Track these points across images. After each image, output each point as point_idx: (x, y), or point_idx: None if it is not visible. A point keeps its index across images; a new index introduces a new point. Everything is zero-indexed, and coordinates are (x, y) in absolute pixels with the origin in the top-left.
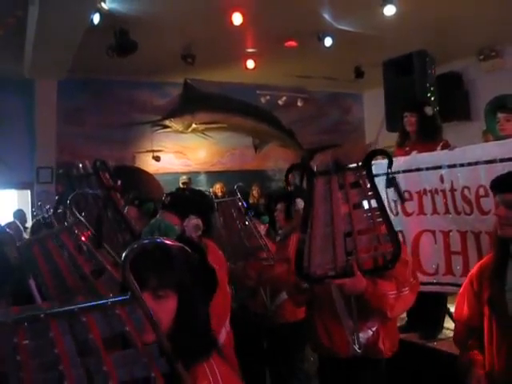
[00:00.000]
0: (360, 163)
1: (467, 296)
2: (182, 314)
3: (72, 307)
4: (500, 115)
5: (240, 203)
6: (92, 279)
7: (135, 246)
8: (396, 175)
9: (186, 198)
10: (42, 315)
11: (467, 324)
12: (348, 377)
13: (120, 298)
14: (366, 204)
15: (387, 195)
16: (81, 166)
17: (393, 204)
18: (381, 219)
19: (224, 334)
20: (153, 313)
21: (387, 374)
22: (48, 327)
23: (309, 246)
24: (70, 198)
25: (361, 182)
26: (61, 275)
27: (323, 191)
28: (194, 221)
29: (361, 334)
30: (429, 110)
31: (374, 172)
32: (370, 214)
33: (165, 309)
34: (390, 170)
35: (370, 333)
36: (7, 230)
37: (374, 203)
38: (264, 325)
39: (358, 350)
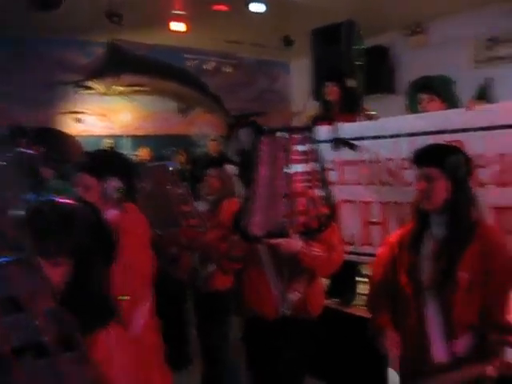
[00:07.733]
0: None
1: (385, 261)
2: (76, 278)
3: None
4: (423, 96)
5: (171, 168)
6: None
7: (33, 206)
8: (320, 144)
9: (105, 159)
10: None
11: (382, 288)
12: (276, 338)
13: (14, 258)
14: (306, 166)
15: None
16: None
17: None
18: (318, 182)
19: (150, 295)
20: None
21: (313, 335)
22: None
23: (250, 205)
24: None
25: (304, 144)
26: None
27: (268, 151)
28: (113, 183)
29: (289, 296)
30: (351, 82)
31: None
32: (309, 177)
33: (58, 273)
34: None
35: (298, 294)
36: None
37: (313, 166)
38: (190, 292)
39: (287, 311)
